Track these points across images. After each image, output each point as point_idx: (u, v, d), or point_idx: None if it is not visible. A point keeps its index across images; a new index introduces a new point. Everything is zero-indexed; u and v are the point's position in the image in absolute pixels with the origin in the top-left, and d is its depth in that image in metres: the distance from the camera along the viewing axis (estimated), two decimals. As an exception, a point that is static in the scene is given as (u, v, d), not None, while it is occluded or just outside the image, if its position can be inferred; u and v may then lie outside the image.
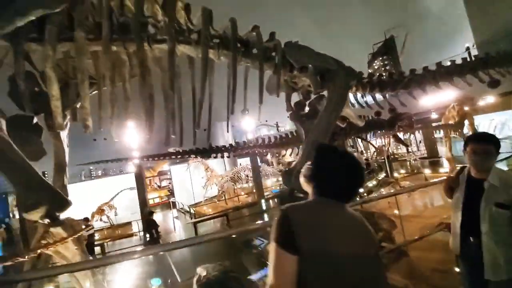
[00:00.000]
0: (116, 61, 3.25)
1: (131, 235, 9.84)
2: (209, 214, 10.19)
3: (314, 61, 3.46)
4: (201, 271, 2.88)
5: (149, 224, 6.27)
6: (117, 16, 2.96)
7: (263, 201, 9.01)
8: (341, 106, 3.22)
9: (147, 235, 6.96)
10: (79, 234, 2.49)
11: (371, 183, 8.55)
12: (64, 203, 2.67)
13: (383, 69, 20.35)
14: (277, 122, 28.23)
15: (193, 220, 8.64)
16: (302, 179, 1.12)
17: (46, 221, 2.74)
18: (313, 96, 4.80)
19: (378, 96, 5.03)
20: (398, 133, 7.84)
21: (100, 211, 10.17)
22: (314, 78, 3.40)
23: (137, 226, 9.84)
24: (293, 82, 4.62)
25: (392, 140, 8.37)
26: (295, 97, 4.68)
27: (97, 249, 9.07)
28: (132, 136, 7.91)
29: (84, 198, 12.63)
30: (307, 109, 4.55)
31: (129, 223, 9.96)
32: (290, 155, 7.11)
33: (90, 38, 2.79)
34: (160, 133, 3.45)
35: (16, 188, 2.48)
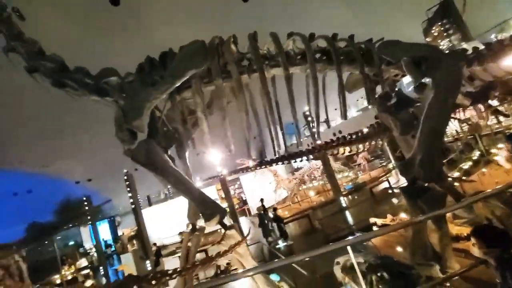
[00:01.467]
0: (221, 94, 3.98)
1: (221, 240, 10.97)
2: (286, 216, 10.67)
3: (409, 52, 3.53)
4: (345, 260, 3.21)
5: (277, 220, 7.13)
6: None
7: (341, 198, 8.99)
8: (457, 89, 3.20)
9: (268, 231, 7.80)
10: (246, 235, 3.12)
11: (466, 165, 7.71)
12: (224, 212, 3.41)
13: (445, 34, 17.97)
14: (326, 118, 27.61)
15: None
16: None
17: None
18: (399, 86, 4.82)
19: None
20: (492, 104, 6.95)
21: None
22: (412, 68, 3.47)
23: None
24: (378, 76, 4.72)
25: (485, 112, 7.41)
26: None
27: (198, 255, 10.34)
28: (214, 153, 8.99)
29: (172, 215, 14.67)
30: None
31: (216, 231, 11.16)
32: (349, 151, 7.05)
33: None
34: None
35: (195, 204, 3.28)
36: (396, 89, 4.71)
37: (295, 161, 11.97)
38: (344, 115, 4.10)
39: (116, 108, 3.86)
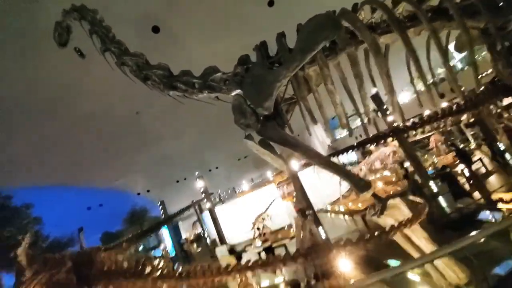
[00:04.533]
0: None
1: (294, 237, 10.81)
2: (361, 209, 10.12)
3: None
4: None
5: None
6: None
7: (431, 182, 8.08)
8: None
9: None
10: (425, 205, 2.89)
11: None
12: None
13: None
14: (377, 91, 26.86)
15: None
16: None
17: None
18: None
19: None
20: None
21: (261, 220, 11.77)
22: None
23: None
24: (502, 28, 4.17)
25: None
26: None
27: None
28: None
29: (234, 216, 14.94)
30: None
31: (289, 226, 11.14)
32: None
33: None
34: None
35: (342, 176, 3.18)
36: None
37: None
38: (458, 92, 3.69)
39: (235, 97, 4.06)
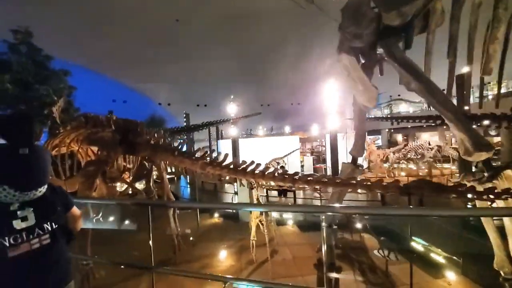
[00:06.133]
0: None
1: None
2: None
3: None
4: None
5: None
6: None
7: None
8: None
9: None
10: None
11: None
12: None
13: None
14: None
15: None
16: None
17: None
18: None
19: None
20: None
21: (275, 163, 11.95)
22: None
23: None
24: None
25: None
26: None
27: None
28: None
29: (253, 152, 15.09)
30: None
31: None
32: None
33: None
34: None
35: (466, 132, 2.60)
36: None
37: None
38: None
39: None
